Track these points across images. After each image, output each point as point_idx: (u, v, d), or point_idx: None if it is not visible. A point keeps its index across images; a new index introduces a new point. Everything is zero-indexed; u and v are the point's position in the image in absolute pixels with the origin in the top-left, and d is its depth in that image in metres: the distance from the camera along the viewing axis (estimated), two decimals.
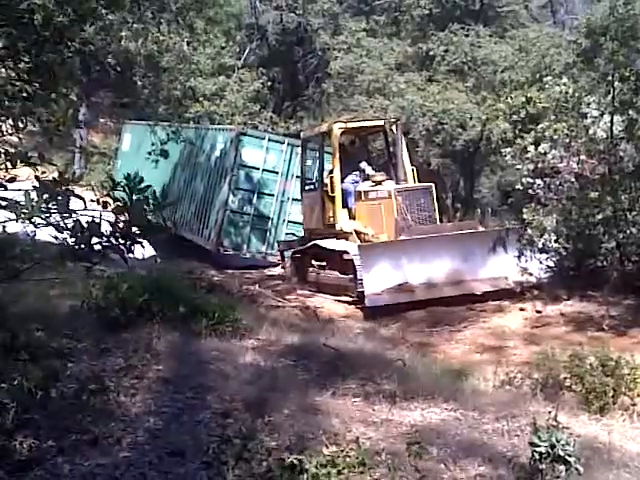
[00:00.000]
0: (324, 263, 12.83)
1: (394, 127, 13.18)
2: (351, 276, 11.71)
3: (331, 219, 13.08)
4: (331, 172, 13.12)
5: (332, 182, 12.89)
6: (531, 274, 11.20)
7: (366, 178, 13.02)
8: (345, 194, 12.99)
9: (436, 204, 12.57)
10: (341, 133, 13.06)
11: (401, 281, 11.03)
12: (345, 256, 11.92)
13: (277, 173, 17.44)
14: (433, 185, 12.84)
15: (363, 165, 13.26)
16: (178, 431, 4.08)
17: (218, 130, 19.39)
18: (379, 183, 12.70)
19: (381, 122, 13.76)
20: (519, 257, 11.22)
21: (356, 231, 12.56)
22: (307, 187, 14.68)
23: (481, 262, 11.38)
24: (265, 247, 17.43)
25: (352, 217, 12.92)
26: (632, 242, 10.54)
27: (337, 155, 12.94)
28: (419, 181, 13.21)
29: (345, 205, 12.98)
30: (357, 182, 13.07)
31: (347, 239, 12.60)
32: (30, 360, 4.26)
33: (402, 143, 13.16)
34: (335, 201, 12.94)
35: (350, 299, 11.68)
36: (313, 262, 13.16)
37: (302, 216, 14.99)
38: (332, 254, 12.47)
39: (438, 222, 12.85)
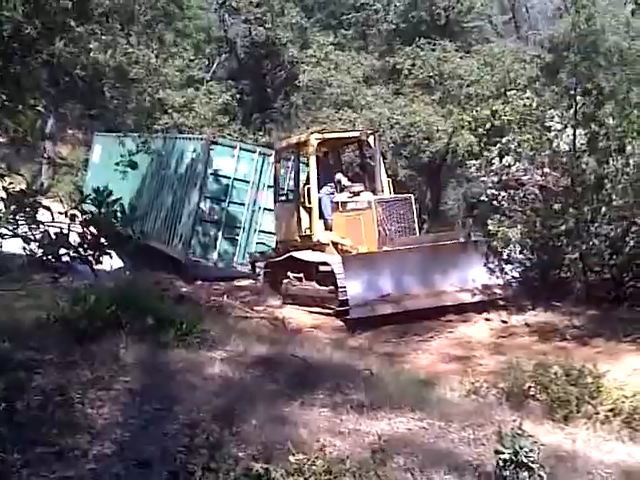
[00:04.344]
0: (300, 275, 12.70)
1: (371, 138, 13.18)
2: (331, 287, 11.61)
3: (307, 230, 12.96)
4: (307, 183, 13.01)
5: (309, 193, 12.80)
6: (510, 284, 11.33)
7: (342, 189, 12.99)
8: (321, 205, 12.90)
9: (415, 215, 12.57)
10: (318, 144, 12.97)
11: (384, 292, 11.01)
12: (324, 267, 11.83)
13: (248, 182, 17.32)
14: (412, 196, 12.86)
15: (339, 176, 13.21)
16: (145, 442, 4.05)
17: (188, 139, 19.27)
18: (357, 194, 12.65)
19: (357, 133, 13.79)
20: (486, 266, 11.38)
21: (333, 242, 12.48)
22: (281, 198, 14.59)
23: (463, 272, 11.45)
24: (235, 257, 17.26)
25: (328, 228, 12.83)
26: (594, 253, 10.73)
27: (314, 166, 12.85)
28: (398, 192, 13.21)
29: (321, 216, 12.89)
30: (333, 193, 13.01)
31: (324, 251, 12.52)
32: None
33: (379, 154, 13.18)
34: (312, 212, 12.83)
35: (330, 311, 11.60)
36: (289, 274, 13.00)
37: (275, 227, 14.88)
38: (309, 266, 12.36)
39: (418, 233, 12.87)
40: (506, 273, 11.43)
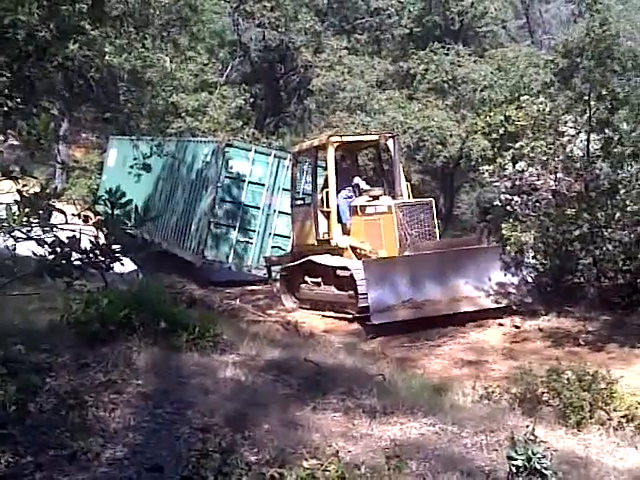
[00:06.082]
0: (318, 279, 12.58)
1: (390, 142, 13.04)
2: (350, 292, 11.53)
3: (325, 234, 12.82)
4: (325, 186, 12.90)
5: (327, 197, 12.70)
6: (525, 289, 11.25)
7: (360, 193, 12.87)
8: (339, 209, 12.77)
9: (435, 220, 12.43)
10: (336, 147, 12.86)
11: (405, 297, 10.88)
12: (344, 272, 11.72)
13: (263, 185, 17.21)
14: (433, 200, 12.71)
15: (357, 180, 13.09)
16: (157, 446, 4.06)
17: (202, 142, 19.22)
18: (376, 198, 12.52)
19: (376, 137, 13.65)
20: (503, 271, 11.31)
21: (352, 247, 12.35)
22: (297, 202, 14.48)
23: (484, 277, 11.31)
24: (250, 260, 17.15)
25: (346, 232, 12.71)
26: (608, 259, 10.68)
27: (332, 169, 12.71)
28: (413, 197, 13.10)
29: (339, 220, 12.76)
30: (351, 197, 12.89)
31: (342, 255, 12.41)
32: (8, 375, 4.23)
33: (398, 158, 13.06)
34: (330, 216, 12.69)
35: (349, 316, 11.51)
36: (306, 278, 12.89)
37: (291, 231, 14.75)
38: (328, 270, 12.23)
39: (438, 238, 12.74)
40: (524, 279, 11.36)
